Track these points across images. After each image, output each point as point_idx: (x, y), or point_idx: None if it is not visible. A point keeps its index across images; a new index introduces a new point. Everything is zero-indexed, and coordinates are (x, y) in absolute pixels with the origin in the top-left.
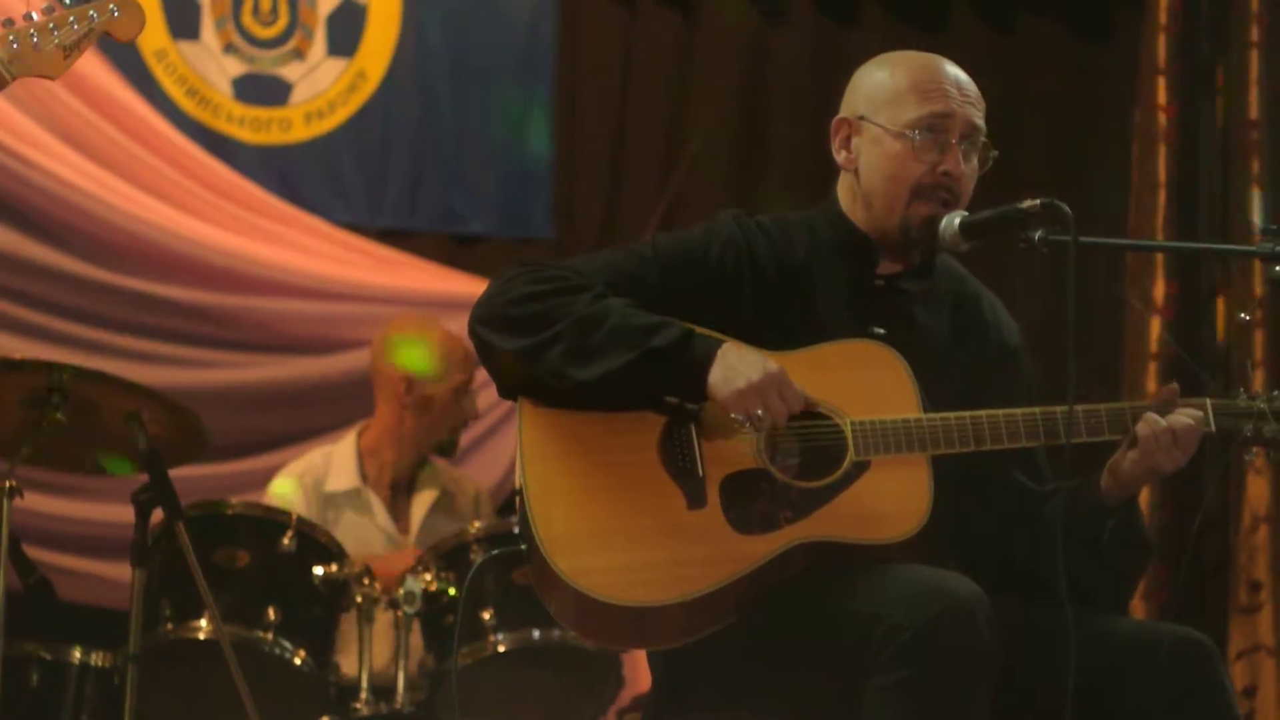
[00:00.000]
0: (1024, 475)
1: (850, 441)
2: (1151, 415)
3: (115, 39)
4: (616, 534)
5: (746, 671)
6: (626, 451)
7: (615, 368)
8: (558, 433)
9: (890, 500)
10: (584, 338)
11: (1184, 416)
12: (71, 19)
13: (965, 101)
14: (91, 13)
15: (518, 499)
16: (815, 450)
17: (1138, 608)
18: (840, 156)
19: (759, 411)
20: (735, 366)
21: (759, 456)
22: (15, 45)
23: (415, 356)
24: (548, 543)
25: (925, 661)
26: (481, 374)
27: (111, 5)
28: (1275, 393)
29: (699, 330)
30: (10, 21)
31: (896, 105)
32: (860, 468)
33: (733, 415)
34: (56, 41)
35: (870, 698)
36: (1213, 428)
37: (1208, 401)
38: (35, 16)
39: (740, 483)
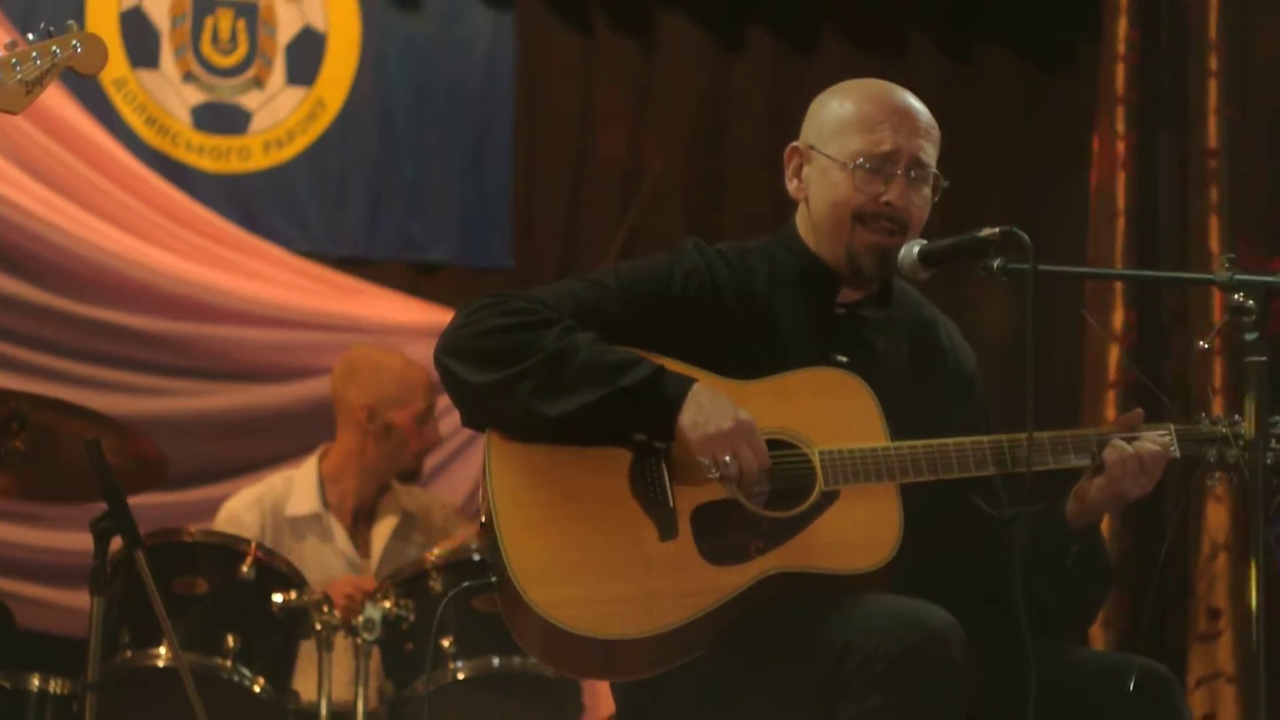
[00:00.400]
0: (983, 501)
1: (819, 471)
2: (1119, 442)
3: (78, 74)
4: (589, 566)
5: (714, 702)
6: (596, 482)
7: (584, 405)
8: (526, 463)
9: (860, 530)
10: (553, 374)
11: (1150, 443)
12: (34, 55)
13: (913, 133)
14: (54, 48)
15: (483, 530)
16: (784, 479)
17: (1098, 636)
18: (791, 185)
19: (726, 458)
20: (706, 410)
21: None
22: None
23: (376, 384)
24: (521, 575)
25: (900, 690)
26: (443, 399)
27: (74, 41)
28: (1236, 416)
29: (669, 368)
30: None
31: (843, 136)
32: (829, 497)
33: (700, 459)
34: (19, 77)
35: None
36: (1177, 453)
37: (1171, 427)
38: None
39: (711, 513)
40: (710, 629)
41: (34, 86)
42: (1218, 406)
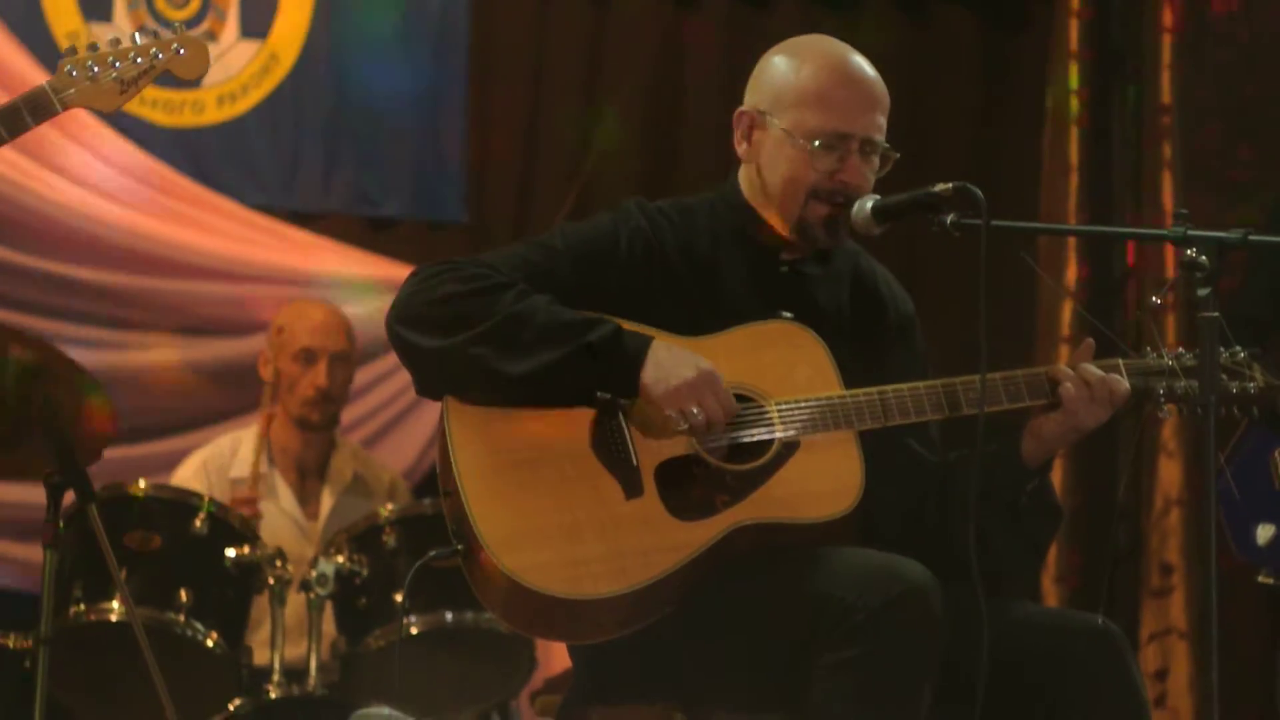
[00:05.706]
0: (920, 446)
1: (778, 422)
2: (1069, 371)
3: (177, 78)
4: (557, 529)
5: (679, 659)
6: (558, 444)
7: (546, 364)
8: (487, 431)
9: (824, 478)
10: (513, 335)
11: (1098, 370)
12: (133, 54)
13: (869, 109)
14: (155, 50)
15: (446, 499)
16: (743, 432)
17: (1050, 592)
18: (741, 148)
19: (693, 409)
20: (666, 365)
21: (690, 441)
22: (73, 74)
23: (273, 329)
24: (491, 542)
25: (881, 640)
26: (381, 366)
27: (175, 44)
28: (1181, 350)
29: (626, 326)
30: (73, 50)
31: (798, 110)
32: (790, 448)
33: (668, 413)
34: (115, 75)
35: (819, 674)
36: (1126, 382)
37: (1120, 362)
38: (99, 47)
39: (675, 469)
40: (680, 584)
41: (129, 86)
42: None
